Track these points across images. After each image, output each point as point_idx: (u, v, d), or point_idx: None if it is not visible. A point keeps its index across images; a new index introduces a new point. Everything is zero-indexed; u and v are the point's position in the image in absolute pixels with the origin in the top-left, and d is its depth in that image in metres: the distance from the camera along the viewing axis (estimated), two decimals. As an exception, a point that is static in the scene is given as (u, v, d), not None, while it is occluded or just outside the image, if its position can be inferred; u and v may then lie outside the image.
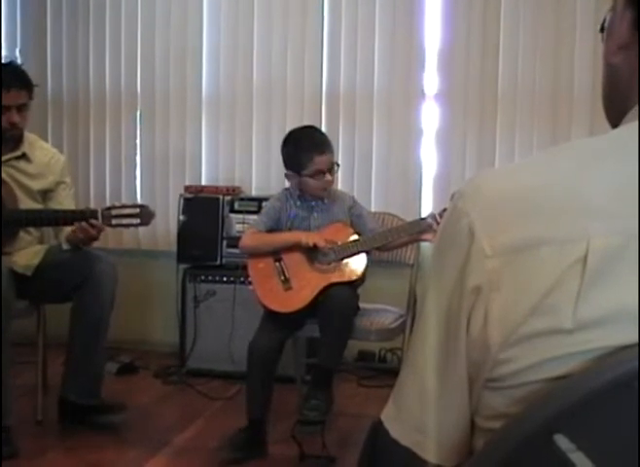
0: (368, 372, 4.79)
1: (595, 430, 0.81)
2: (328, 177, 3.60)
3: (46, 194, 3.92)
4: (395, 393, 1.05)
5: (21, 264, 3.78)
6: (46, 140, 4.76)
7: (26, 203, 3.81)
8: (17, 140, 3.85)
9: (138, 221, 3.67)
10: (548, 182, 0.90)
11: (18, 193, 3.80)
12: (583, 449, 0.80)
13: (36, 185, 3.87)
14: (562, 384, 0.83)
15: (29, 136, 3.96)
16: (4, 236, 3.68)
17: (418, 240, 3.67)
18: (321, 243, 3.54)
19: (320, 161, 3.58)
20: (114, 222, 3.64)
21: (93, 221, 3.58)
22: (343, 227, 3.67)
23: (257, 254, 3.66)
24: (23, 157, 3.87)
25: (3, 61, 3.91)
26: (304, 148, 3.63)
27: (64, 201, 3.93)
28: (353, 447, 3.58)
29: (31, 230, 3.87)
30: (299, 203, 3.69)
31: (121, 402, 3.92)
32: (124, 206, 3.70)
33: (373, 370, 4.81)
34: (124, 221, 3.65)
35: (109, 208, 3.66)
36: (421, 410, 1.00)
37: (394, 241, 3.65)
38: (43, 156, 3.95)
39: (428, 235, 3.53)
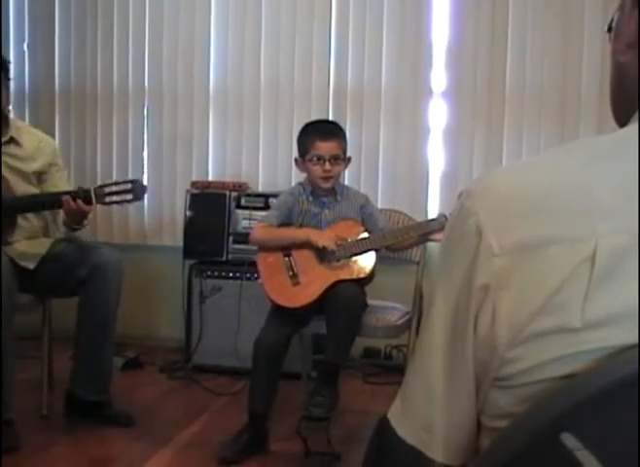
0: (373, 368, 4.79)
1: (602, 429, 0.81)
2: (327, 166, 3.59)
3: (40, 177, 3.90)
4: (402, 391, 1.05)
5: (24, 256, 3.76)
6: (53, 134, 4.77)
7: (22, 187, 3.79)
8: (3, 125, 3.82)
9: (131, 196, 3.65)
10: (556, 181, 0.90)
11: (13, 177, 3.77)
12: (589, 448, 0.80)
13: (29, 167, 3.85)
14: (569, 383, 0.83)
15: (16, 122, 3.97)
16: (3, 226, 3.67)
17: (428, 241, 3.65)
18: (330, 245, 3.53)
19: (321, 146, 3.59)
20: (107, 199, 3.62)
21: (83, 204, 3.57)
22: (354, 224, 3.66)
23: (266, 248, 3.66)
24: (12, 141, 3.84)
25: None
26: (310, 132, 3.67)
27: (58, 183, 3.91)
28: (358, 443, 3.59)
29: (31, 218, 3.85)
30: (311, 199, 3.69)
31: (128, 412, 3.90)
32: (115, 183, 3.69)
33: (379, 367, 4.82)
34: (118, 198, 3.64)
35: (101, 186, 3.64)
36: (428, 408, 1.00)
37: (403, 241, 3.64)
38: (32, 140, 3.92)
39: (437, 236, 3.51)
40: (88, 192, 3.60)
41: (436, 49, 4.88)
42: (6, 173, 3.76)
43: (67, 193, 3.65)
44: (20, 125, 3.99)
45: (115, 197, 3.63)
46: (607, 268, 0.82)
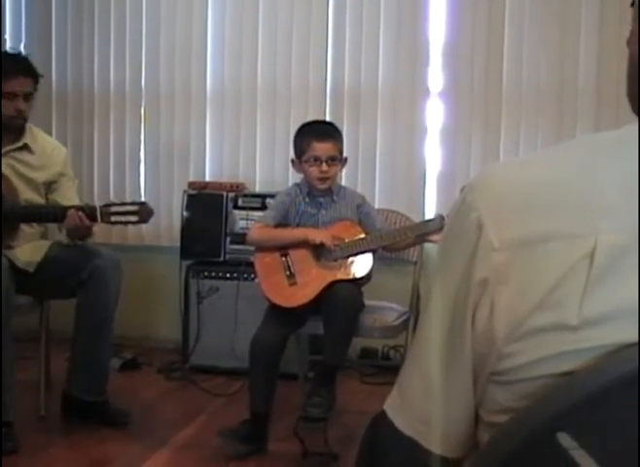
0: (371, 369, 4.78)
1: (599, 428, 0.81)
2: (324, 167, 3.58)
3: (50, 186, 3.91)
4: (399, 383, 1.05)
5: (24, 259, 3.76)
6: (50, 135, 4.76)
7: (29, 195, 3.80)
8: (19, 131, 3.84)
9: (137, 218, 3.65)
10: (558, 177, 0.90)
11: (21, 184, 3.78)
12: (585, 447, 0.80)
13: (39, 177, 3.86)
14: (566, 382, 0.83)
15: (32, 128, 3.96)
16: (5, 230, 3.67)
17: (426, 242, 3.65)
18: (327, 242, 3.53)
19: (318, 147, 3.59)
20: (113, 219, 3.62)
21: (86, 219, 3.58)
22: (351, 224, 3.66)
23: (264, 248, 3.66)
24: (25, 148, 3.85)
25: (11, 51, 3.90)
26: (306, 133, 3.67)
27: (67, 193, 3.91)
28: (356, 443, 3.52)
29: (33, 223, 3.86)
30: (307, 199, 3.68)
31: (125, 410, 3.90)
32: (122, 204, 3.69)
33: (376, 367, 4.81)
34: (123, 218, 3.64)
35: (108, 205, 3.64)
36: (426, 401, 1.00)
37: (401, 241, 3.64)
38: (45, 147, 3.93)
39: (435, 237, 3.49)
40: (94, 209, 3.60)
41: (433, 48, 4.88)
42: (14, 179, 3.76)
43: (72, 208, 3.65)
44: (35, 131, 3.98)
45: (121, 218, 3.64)
46: (605, 265, 0.82)
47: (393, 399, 1.05)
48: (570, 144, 0.97)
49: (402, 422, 1.02)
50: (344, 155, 3.72)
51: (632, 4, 1.03)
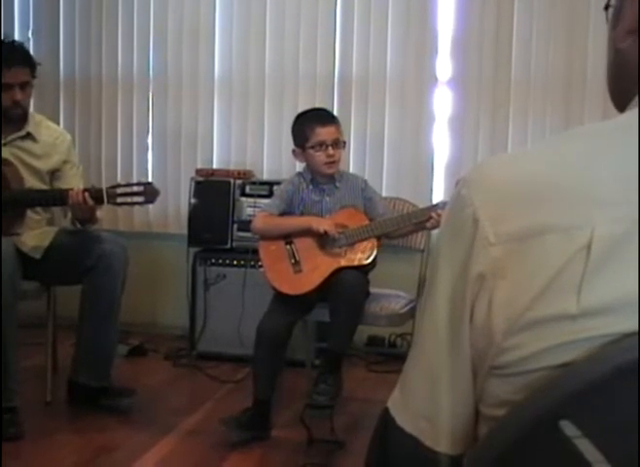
0: (377, 357, 4.79)
1: (601, 417, 0.81)
2: (330, 151, 3.59)
3: (53, 173, 3.91)
4: (401, 381, 1.05)
5: (30, 245, 3.77)
6: (58, 121, 4.77)
7: (33, 184, 3.81)
8: (22, 120, 3.84)
9: (142, 199, 3.65)
10: (553, 169, 0.89)
11: (25, 173, 3.79)
12: (588, 436, 0.79)
13: (43, 165, 3.86)
14: (568, 371, 0.83)
15: (35, 116, 3.96)
16: (12, 217, 3.67)
17: (424, 229, 3.64)
18: (331, 230, 3.53)
19: (322, 132, 3.60)
20: (119, 200, 3.62)
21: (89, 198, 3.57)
22: (355, 211, 3.66)
23: (268, 237, 3.66)
24: (28, 136, 3.85)
25: (6, 40, 3.88)
26: (307, 120, 3.68)
27: (71, 181, 3.91)
28: (362, 431, 3.59)
29: (39, 210, 3.86)
30: (311, 187, 3.69)
31: (130, 387, 3.91)
32: (128, 185, 3.69)
33: (383, 355, 4.81)
34: (129, 199, 3.64)
35: (114, 187, 3.65)
36: (427, 398, 0.99)
37: (405, 228, 3.64)
38: (49, 135, 3.94)
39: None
40: (100, 191, 3.60)
41: (441, 36, 4.86)
42: (18, 168, 3.77)
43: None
44: (39, 119, 3.98)
45: (127, 199, 3.64)
46: (603, 256, 0.82)
47: (395, 396, 1.05)
48: (567, 135, 0.96)
49: (403, 420, 1.02)
50: (350, 141, 3.72)
51: (606, 7, 1.03)
